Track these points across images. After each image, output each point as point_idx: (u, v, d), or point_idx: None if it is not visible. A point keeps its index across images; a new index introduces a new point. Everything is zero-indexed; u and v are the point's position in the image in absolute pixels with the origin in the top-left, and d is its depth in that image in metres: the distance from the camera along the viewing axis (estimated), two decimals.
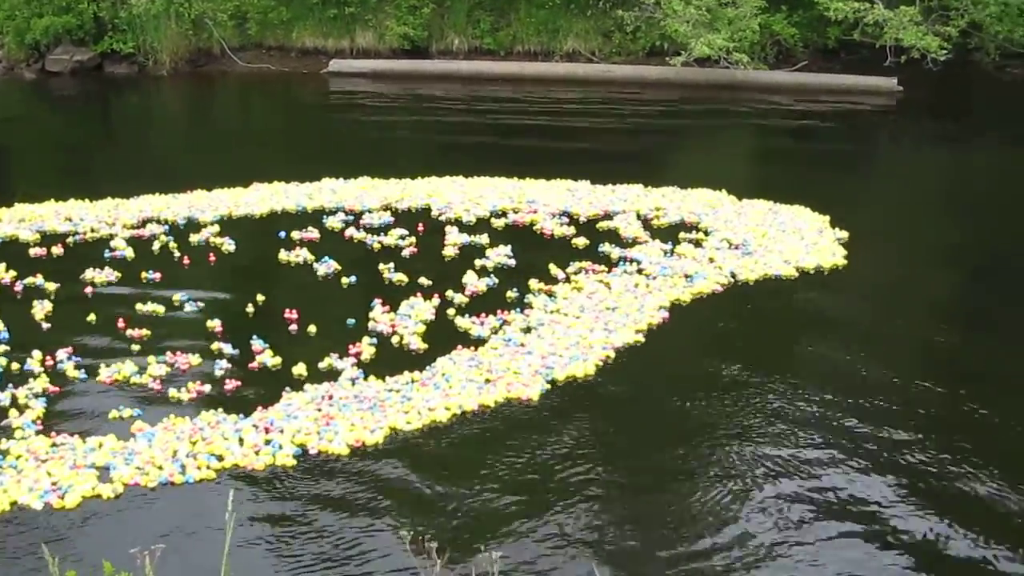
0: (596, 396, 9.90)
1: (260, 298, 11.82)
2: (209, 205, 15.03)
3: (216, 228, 14.13)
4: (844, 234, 13.78)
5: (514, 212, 14.71)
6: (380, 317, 11.33)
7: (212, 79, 25.48)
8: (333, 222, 14.37)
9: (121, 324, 11.20)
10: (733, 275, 12.46)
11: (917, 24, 23.04)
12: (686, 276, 12.37)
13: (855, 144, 19.82)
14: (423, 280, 12.24)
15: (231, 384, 9.99)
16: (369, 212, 14.76)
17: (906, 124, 21.79)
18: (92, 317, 11.36)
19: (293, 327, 11.18)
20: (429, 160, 17.42)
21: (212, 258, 13.28)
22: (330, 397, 9.68)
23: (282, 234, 13.88)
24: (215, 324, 11.18)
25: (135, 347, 10.76)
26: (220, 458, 8.81)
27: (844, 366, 10.39)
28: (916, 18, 23.08)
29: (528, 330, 11.09)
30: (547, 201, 15.06)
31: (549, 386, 9.96)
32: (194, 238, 13.83)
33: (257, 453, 8.88)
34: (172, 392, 9.81)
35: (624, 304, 11.62)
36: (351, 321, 11.28)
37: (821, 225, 14.17)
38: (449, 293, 11.87)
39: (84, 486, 8.38)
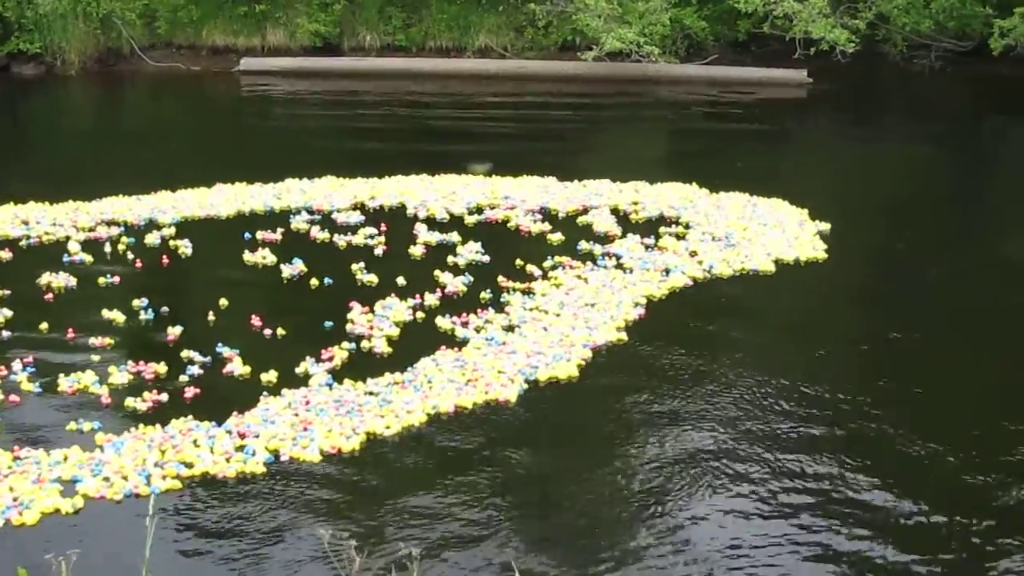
0: (572, 398, 9.81)
1: (223, 302, 11.54)
2: (172, 207, 14.67)
3: (173, 231, 13.80)
4: (826, 227, 13.82)
5: (490, 208, 14.58)
6: (358, 319, 11.14)
7: (122, 79, 24.99)
8: (300, 222, 14.12)
9: (72, 334, 10.88)
10: (709, 270, 12.43)
11: (826, 17, 23.35)
12: (665, 271, 12.33)
13: (769, 135, 20.15)
14: (398, 280, 12.04)
15: (191, 392, 9.74)
16: (338, 211, 14.52)
17: (817, 115, 22.15)
18: (48, 325, 11.06)
19: (268, 331, 10.93)
20: (349, 159, 17.19)
21: (166, 261, 12.96)
22: (307, 402, 9.49)
23: (247, 235, 13.62)
24: (177, 331, 10.90)
25: (95, 357, 10.42)
26: (190, 466, 8.62)
27: (819, 363, 10.44)
28: (825, 11, 23.38)
29: (511, 328, 10.96)
30: (523, 197, 14.93)
31: (528, 386, 9.85)
32: (150, 239, 13.50)
33: (228, 460, 8.69)
34: (128, 401, 9.53)
35: (602, 300, 11.55)
36: (328, 323, 11.06)
37: (801, 218, 14.20)
38: (428, 296, 11.66)
39: (45, 501, 8.13)
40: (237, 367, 10.20)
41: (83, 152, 19.09)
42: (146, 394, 9.67)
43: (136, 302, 11.57)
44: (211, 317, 11.29)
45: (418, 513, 8.04)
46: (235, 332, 10.93)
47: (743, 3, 23.78)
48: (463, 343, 10.70)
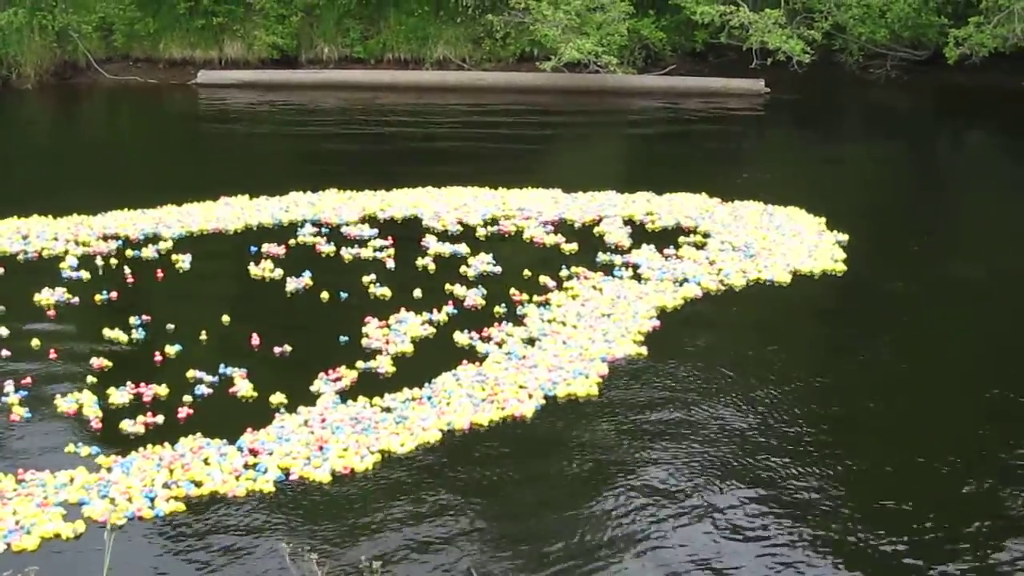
0: (588, 415, 9.66)
1: (226, 319, 11.39)
2: (177, 221, 14.41)
3: (172, 245, 13.62)
4: (844, 237, 13.81)
5: (506, 219, 14.46)
6: (373, 333, 10.98)
7: (79, 92, 24.57)
8: (306, 235, 13.91)
9: (54, 355, 10.65)
10: (723, 281, 12.36)
11: (782, 27, 23.46)
12: (682, 280, 12.29)
13: (727, 142, 20.29)
14: (413, 293, 11.95)
15: (183, 413, 9.55)
16: (347, 224, 14.35)
17: (774, 124, 22.27)
18: (42, 343, 10.86)
19: (277, 349, 10.74)
20: (307, 172, 17.06)
21: (160, 275, 12.75)
22: (323, 420, 9.33)
23: (253, 249, 13.43)
24: (173, 350, 10.69)
25: (92, 379, 10.16)
26: (199, 484, 8.49)
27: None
28: (781, 21, 23.49)
29: (531, 342, 10.85)
30: (539, 209, 14.81)
31: (545, 402, 9.74)
32: (147, 253, 13.31)
33: (237, 479, 8.55)
34: (123, 424, 9.34)
35: (618, 311, 11.46)
36: (344, 338, 10.92)
37: (819, 227, 14.17)
38: (443, 308, 11.54)
39: (47, 526, 7.97)
40: (244, 387, 9.98)
41: (41, 166, 18.77)
42: (140, 417, 9.45)
43: (133, 319, 11.35)
44: (212, 335, 11.12)
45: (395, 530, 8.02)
46: (241, 350, 10.77)
47: (699, 15, 23.86)
48: (483, 357, 10.56)
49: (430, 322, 11.32)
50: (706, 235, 13.94)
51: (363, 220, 14.62)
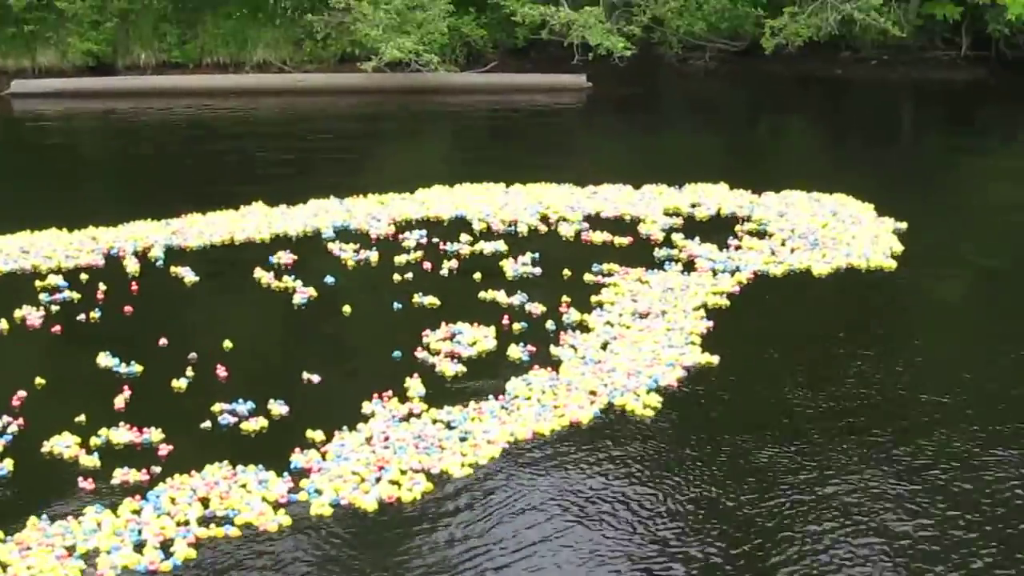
0: (646, 426, 8.67)
1: (228, 344, 9.96)
2: (199, 232, 13.07)
3: (169, 258, 12.35)
4: (903, 225, 13.28)
5: (554, 215, 13.67)
6: (436, 345, 9.90)
7: None
8: (337, 244, 12.75)
9: (36, 382, 9.22)
10: (762, 273, 11.78)
11: (602, 23, 23.44)
12: (735, 270, 11.74)
13: (552, 135, 20.04)
14: (456, 302, 10.92)
15: (164, 450, 8.16)
16: (375, 220, 13.45)
17: (597, 117, 22.16)
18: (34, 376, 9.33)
19: (308, 377, 9.36)
20: (135, 188, 16.22)
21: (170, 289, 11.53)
22: (386, 438, 8.26)
23: (272, 259, 12.19)
24: (181, 385, 9.24)
25: (79, 418, 8.59)
26: (232, 519, 7.34)
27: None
28: (601, 18, 23.46)
29: (604, 346, 9.89)
30: (598, 206, 14.01)
31: (602, 408, 8.81)
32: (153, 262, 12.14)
33: (276, 510, 7.42)
34: (118, 472, 7.86)
35: (669, 306, 10.75)
36: (396, 354, 9.75)
37: (873, 215, 13.64)
38: (507, 323, 10.44)
39: None
40: (282, 410, 8.80)
41: None
42: (118, 471, 7.90)
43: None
44: (236, 357, 9.84)
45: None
46: (277, 375, 9.60)
47: (520, 15, 23.71)
48: (558, 364, 9.57)
49: (488, 336, 10.21)
50: (760, 224, 13.43)
51: (396, 225, 13.55)
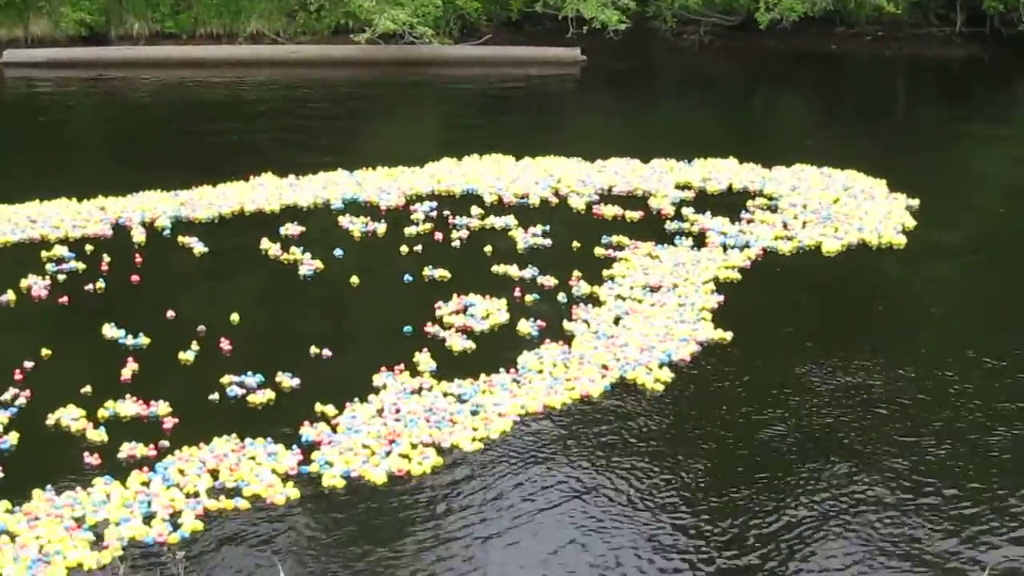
0: (655, 402, 8.55)
1: (235, 317, 9.81)
2: (209, 203, 12.89)
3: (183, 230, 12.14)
4: (915, 202, 13.19)
5: (566, 188, 13.56)
6: (449, 319, 9.78)
7: None
8: (348, 218, 12.53)
9: (42, 353, 9.15)
10: (771, 249, 11.68)
11: None
12: (742, 247, 11.64)
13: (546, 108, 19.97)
14: (466, 274, 10.81)
15: (170, 424, 8.06)
16: (385, 193, 13.28)
17: (592, 91, 22.01)
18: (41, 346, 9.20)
19: (320, 352, 9.20)
20: (137, 159, 15.90)
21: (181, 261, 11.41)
22: (398, 410, 8.16)
23: (280, 230, 12.05)
24: (188, 357, 9.11)
25: (85, 389, 8.46)
26: (242, 489, 7.26)
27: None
28: None
29: (617, 321, 9.77)
30: (609, 180, 13.86)
31: (613, 383, 8.71)
32: (174, 239, 11.91)
33: (284, 483, 7.34)
34: (125, 446, 7.74)
35: (680, 280, 10.67)
36: (408, 329, 9.61)
37: (885, 191, 13.57)
38: (523, 295, 10.36)
39: (71, 555, 6.58)
40: (292, 383, 8.70)
41: None
42: (125, 445, 7.78)
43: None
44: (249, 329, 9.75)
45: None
46: (287, 346, 9.43)
47: None
48: (570, 338, 9.48)
49: (500, 308, 10.12)
50: (771, 198, 13.37)
51: (407, 197, 13.39)
